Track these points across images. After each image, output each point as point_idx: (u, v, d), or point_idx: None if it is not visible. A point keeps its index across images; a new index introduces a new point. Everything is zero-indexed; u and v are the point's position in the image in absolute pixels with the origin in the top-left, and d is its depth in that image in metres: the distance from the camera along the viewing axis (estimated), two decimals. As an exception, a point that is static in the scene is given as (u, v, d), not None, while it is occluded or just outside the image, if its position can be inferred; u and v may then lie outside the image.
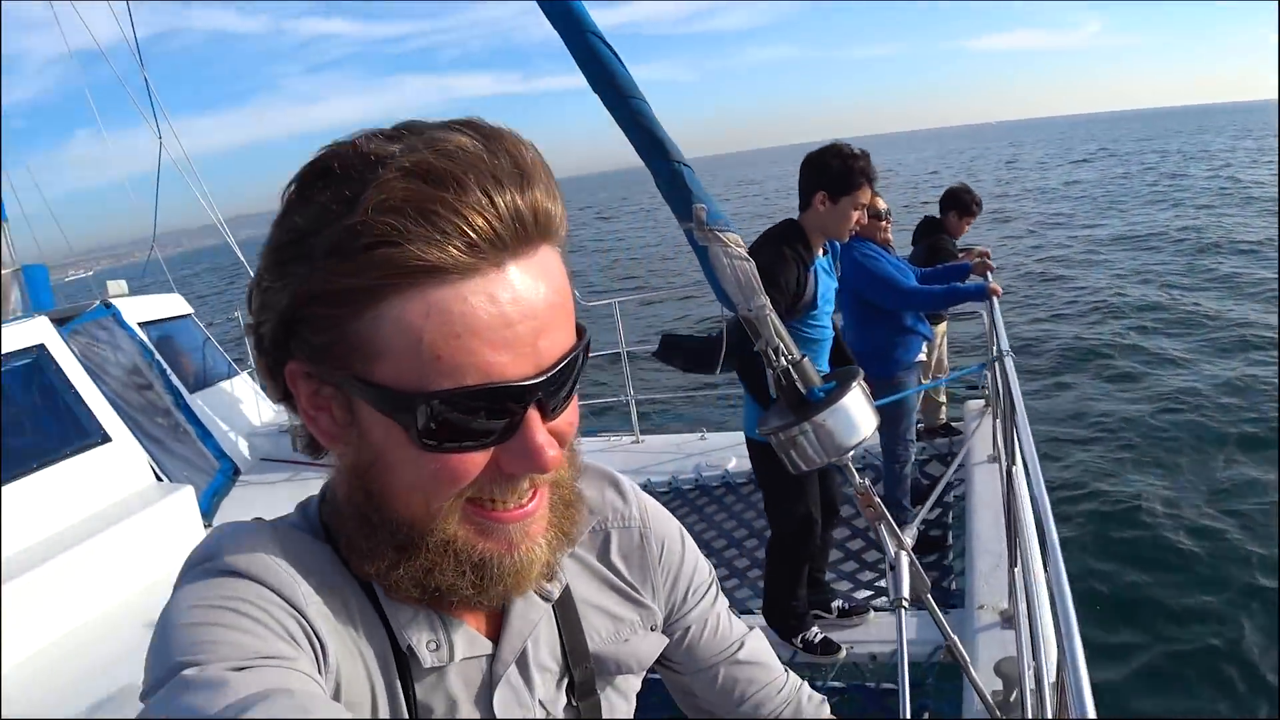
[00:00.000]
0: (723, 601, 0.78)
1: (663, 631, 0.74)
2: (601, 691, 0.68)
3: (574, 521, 0.59)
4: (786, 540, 2.75)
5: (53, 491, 3.45)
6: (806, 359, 1.35)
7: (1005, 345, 2.76)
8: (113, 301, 5.11)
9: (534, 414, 0.50)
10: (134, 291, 5.69)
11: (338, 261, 0.45)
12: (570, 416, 0.55)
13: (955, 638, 1.56)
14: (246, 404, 5.70)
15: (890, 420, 3.34)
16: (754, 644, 0.80)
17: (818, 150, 2.63)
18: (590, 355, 0.57)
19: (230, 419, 5.46)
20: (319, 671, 0.50)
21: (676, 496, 4.40)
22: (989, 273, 3.67)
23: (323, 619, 0.53)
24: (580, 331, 0.54)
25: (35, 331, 4.01)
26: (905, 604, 1.46)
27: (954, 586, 3.18)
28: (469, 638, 0.60)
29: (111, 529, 3.37)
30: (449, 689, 0.59)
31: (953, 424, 4.76)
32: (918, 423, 4.06)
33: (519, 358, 0.48)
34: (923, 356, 3.78)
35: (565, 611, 0.66)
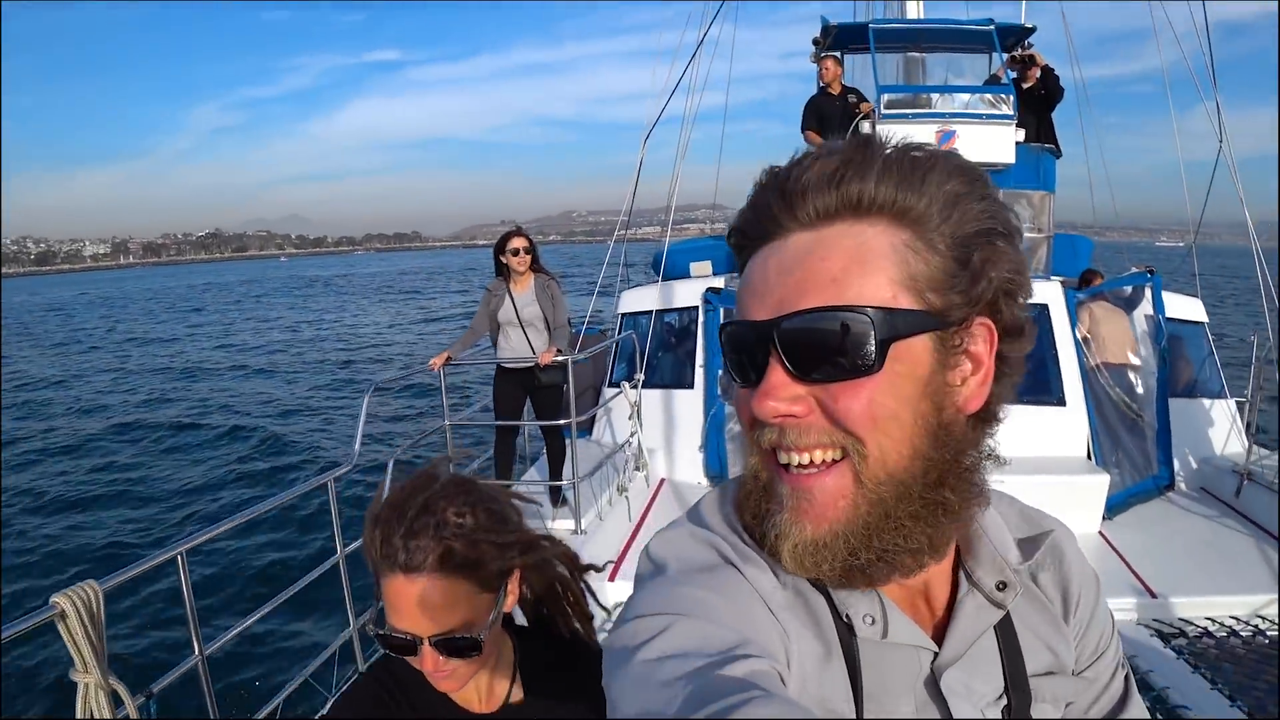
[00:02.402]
0: (1121, 675, 0.71)
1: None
2: None
3: (890, 537, 0.53)
4: None
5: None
6: None
7: None
8: (1157, 273, 5.50)
9: (775, 362, 0.51)
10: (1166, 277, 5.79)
11: None
12: (851, 400, 0.50)
13: None
14: (1217, 429, 5.45)
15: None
16: None
17: None
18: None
19: (1195, 435, 5.34)
20: (783, 653, 0.53)
21: None
22: None
23: (782, 603, 0.56)
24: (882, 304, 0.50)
25: (1044, 292, 4.88)
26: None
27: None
28: (909, 626, 0.58)
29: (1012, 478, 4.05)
30: (886, 670, 0.58)
31: None
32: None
33: (763, 307, 0.52)
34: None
35: (1006, 632, 0.63)
